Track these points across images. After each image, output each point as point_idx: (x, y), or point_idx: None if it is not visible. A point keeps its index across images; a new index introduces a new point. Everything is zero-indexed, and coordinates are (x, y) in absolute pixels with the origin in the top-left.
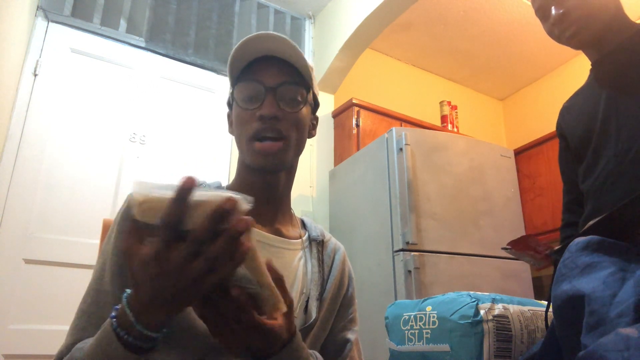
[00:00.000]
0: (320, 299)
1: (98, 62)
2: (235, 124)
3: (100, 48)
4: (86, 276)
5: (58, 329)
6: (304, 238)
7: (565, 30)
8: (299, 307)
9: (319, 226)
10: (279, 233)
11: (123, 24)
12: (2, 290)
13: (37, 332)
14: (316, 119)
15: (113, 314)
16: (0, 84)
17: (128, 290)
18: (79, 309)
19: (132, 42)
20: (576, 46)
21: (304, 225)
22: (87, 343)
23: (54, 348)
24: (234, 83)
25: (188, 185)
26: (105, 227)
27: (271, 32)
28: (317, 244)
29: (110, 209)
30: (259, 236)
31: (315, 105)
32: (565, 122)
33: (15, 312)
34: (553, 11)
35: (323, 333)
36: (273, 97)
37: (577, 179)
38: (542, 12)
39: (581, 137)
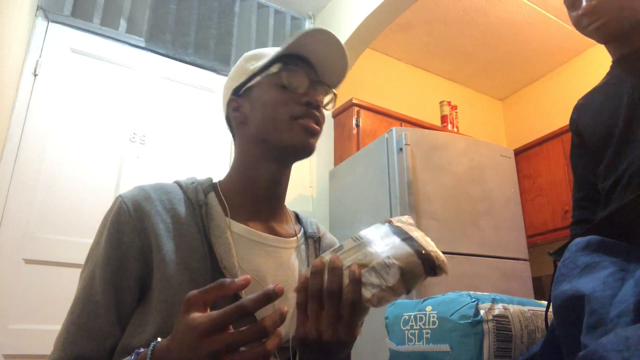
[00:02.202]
0: None
1: (98, 62)
2: (269, 105)
3: (100, 48)
4: None
5: (58, 329)
6: (299, 235)
7: (594, 22)
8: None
9: (314, 220)
10: (274, 232)
11: (123, 24)
12: (2, 290)
13: (37, 332)
14: None
15: (133, 357)
16: (0, 84)
17: (158, 339)
18: (66, 319)
19: (132, 42)
20: (601, 39)
21: (297, 219)
22: None
23: None
24: (279, 64)
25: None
26: None
27: (338, 40)
28: (314, 242)
29: None
30: (254, 236)
31: None
32: (582, 119)
33: (15, 312)
34: (584, 2)
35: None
36: (316, 90)
37: (590, 176)
38: (571, 1)
39: (601, 136)
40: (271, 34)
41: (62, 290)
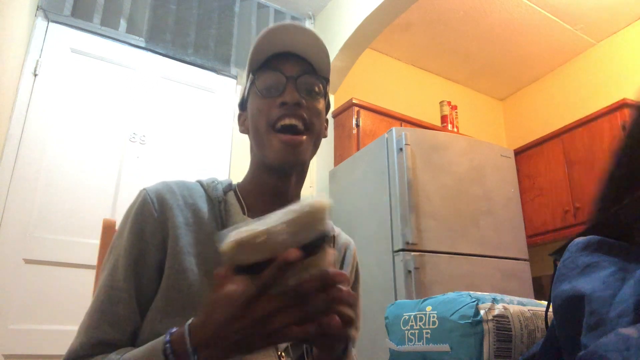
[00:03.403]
0: None
1: (98, 62)
2: (253, 116)
3: (101, 48)
4: (86, 276)
5: (58, 329)
6: None
7: None
8: None
9: (329, 221)
10: None
11: (123, 24)
12: (2, 290)
13: (37, 332)
14: (327, 121)
15: (167, 337)
16: (0, 84)
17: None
18: (91, 306)
19: (132, 42)
20: None
21: None
22: (126, 355)
23: (54, 348)
24: (253, 74)
25: (292, 258)
26: (106, 227)
27: (294, 23)
28: (330, 239)
29: (110, 209)
30: None
31: (327, 104)
32: None
33: (15, 312)
34: None
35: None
36: (294, 86)
37: None
38: None
39: None
40: None
41: (62, 290)
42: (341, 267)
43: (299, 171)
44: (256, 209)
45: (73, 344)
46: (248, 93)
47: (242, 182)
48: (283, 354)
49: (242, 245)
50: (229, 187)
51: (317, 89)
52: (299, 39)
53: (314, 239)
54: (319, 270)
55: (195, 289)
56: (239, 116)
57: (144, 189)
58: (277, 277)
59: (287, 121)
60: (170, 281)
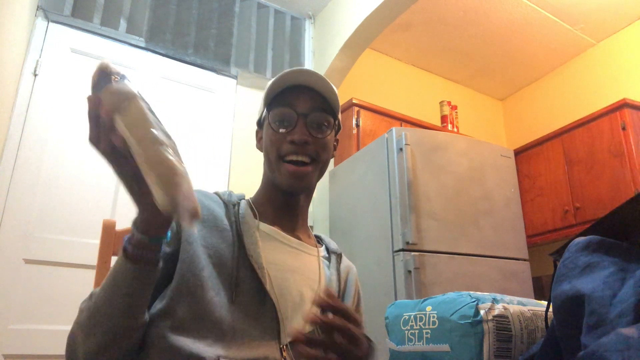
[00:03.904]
0: None
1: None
2: (266, 144)
3: (100, 48)
4: (86, 276)
5: (58, 329)
6: (322, 248)
7: None
8: (309, 305)
9: (333, 242)
10: (298, 238)
11: (123, 24)
12: (2, 290)
13: (37, 332)
14: (337, 140)
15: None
16: (0, 84)
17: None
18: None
19: (132, 42)
20: None
21: (318, 241)
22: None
23: (54, 348)
24: (268, 107)
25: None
26: (106, 227)
27: (306, 68)
28: (337, 256)
29: (110, 209)
30: (280, 236)
31: (338, 128)
32: None
33: (15, 312)
34: None
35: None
36: (304, 123)
37: None
38: None
39: None
40: (271, 34)
41: (62, 290)
42: (345, 288)
43: (307, 192)
44: (267, 217)
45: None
46: (264, 119)
47: (255, 195)
48: (285, 347)
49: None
50: (242, 196)
51: (326, 123)
52: (310, 77)
53: None
54: None
55: (205, 273)
56: (257, 133)
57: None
58: None
59: (294, 157)
60: (184, 265)
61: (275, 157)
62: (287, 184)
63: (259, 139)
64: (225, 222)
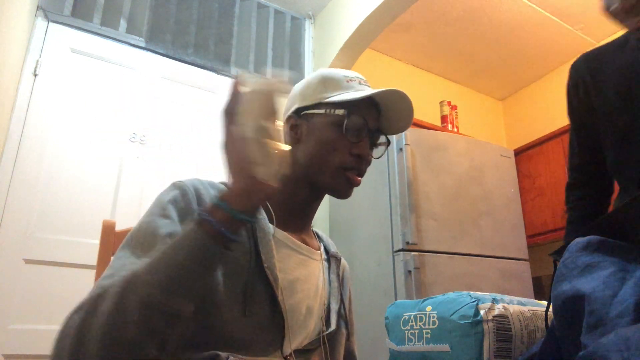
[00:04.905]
0: (339, 313)
1: (98, 62)
2: (323, 145)
3: (100, 48)
4: (86, 276)
5: (58, 329)
6: (321, 251)
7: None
8: (318, 317)
9: (332, 242)
10: (305, 243)
11: (123, 24)
12: (2, 290)
13: (37, 332)
14: None
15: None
16: (0, 84)
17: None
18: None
19: (132, 42)
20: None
21: (317, 236)
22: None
23: None
24: (348, 109)
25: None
26: (105, 227)
27: (404, 93)
28: (337, 261)
29: (110, 209)
30: (292, 243)
31: None
32: (596, 77)
33: (15, 312)
34: None
35: (340, 346)
36: (368, 139)
37: (594, 142)
38: None
39: (620, 97)
40: (271, 34)
41: (62, 290)
42: (342, 286)
43: (322, 196)
44: (279, 218)
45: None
46: (324, 113)
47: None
48: (289, 358)
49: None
50: None
51: (379, 143)
52: (402, 110)
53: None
54: None
55: (220, 287)
56: (294, 124)
57: (180, 181)
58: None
59: (355, 171)
60: None
61: (336, 164)
62: (344, 192)
63: (295, 130)
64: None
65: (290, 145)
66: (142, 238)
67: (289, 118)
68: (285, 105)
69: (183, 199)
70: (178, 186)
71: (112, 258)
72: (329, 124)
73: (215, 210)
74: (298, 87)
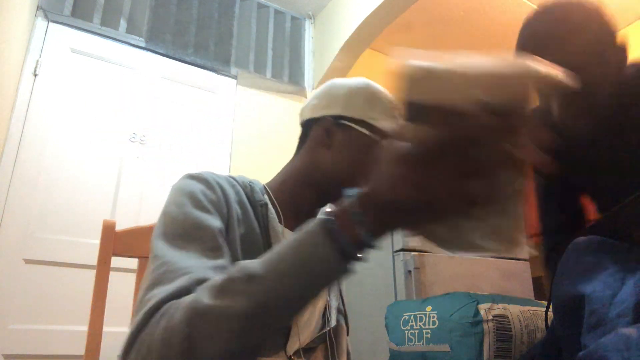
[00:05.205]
0: (338, 308)
1: (98, 62)
2: (354, 163)
3: (100, 48)
4: (86, 276)
5: (58, 329)
6: None
7: None
8: (319, 315)
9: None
10: None
11: (123, 24)
12: (2, 290)
13: (37, 332)
14: None
15: (326, 216)
16: (0, 84)
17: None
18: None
19: (132, 42)
20: None
21: None
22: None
23: (54, 348)
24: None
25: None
26: (105, 227)
27: None
28: None
29: (110, 209)
30: None
31: None
32: None
33: (15, 312)
34: None
35: (343, 341)
36: None
37: None
38: None
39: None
40: (271, 34)
41: (62, 290)
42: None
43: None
44: (289, 220)
45: (156, 295)
46: (364, 133)
47: (276, 186)
48: (293, 356)
49: (431, 76)
50: (263, 190)
51: None
52: None
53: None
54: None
55: None
56: (330, 129)
57: (199, 173)
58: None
59: None
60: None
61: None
62: None
63: (331, 137)
64: (254, 221)
65: (316, 147)
66: (188, 230)
67: (325, 120)
68: (321, 101)
69: (212, 192)
70: (200, 179)
71: (153, 247)
72: (367, 146)
73: (348, 223)
74: (341, 90)
